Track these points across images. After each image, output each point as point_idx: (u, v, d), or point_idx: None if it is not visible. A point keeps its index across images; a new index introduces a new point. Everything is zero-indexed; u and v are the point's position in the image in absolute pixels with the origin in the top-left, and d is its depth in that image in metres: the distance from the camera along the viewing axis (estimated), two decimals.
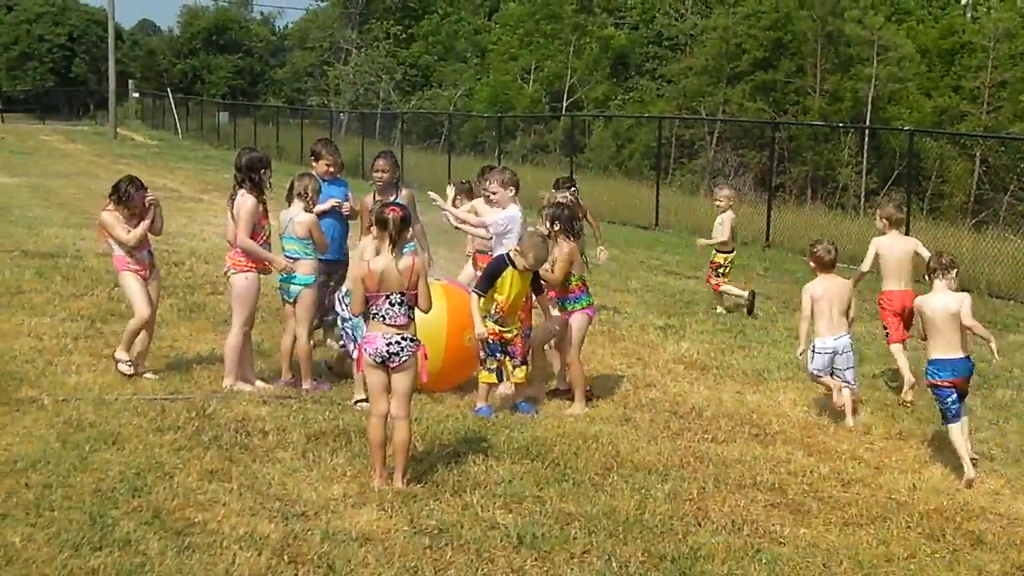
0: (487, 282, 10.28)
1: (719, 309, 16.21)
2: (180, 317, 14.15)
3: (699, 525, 7.85)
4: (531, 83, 64.32)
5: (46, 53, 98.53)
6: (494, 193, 11.85)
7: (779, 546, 7.56)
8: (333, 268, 12.34)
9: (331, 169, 12.28)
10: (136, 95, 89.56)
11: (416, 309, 8.35)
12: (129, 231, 11.06)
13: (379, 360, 8.19)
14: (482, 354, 10.40)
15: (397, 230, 8.23)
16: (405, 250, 8.40)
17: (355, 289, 8.26)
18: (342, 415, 9.95)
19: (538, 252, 10.26)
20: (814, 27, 51.59)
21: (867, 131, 44.46)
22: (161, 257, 19.17)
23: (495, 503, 8.00)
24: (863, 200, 41.39)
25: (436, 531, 7.45)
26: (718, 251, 16.47)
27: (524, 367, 10.48)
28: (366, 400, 9.23)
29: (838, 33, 51.46)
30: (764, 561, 7.25)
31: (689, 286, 18.63)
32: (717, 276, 16.39)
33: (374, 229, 8.43)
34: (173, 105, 74.12)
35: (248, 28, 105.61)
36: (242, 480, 8.26)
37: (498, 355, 10.37)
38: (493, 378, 10.44)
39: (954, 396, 9.38)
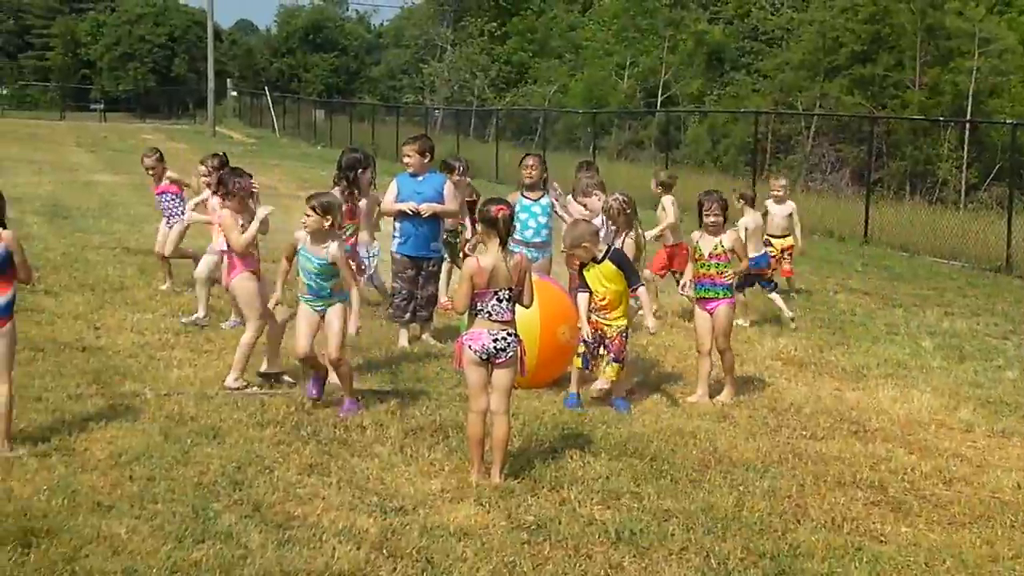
0: (582, 278, 10.38)
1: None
2: None
3: (798, 522, 7.78)
4: (625, 79, 64.07)
5: (147, 53, 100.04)
6: (589, 199, 12.03)
7: (880, 544, 7.47)
8: (421, 264, 12.51)
9: (406, 160, 12.66)
10: (234, 94, 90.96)
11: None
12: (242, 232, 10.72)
13: (484, 357, 8.22)
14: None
15: (505, 228, 8.26)
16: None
17: (463, 285, 8.28)
18: (439, 410, 10.00)
19: (566, 234, 10.60)
20: (913, 20, 50.80)
21: (968, 125, 43.77)
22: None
23: (593, 499, 7.99)
24: (963, 195, 40.78)
25: (534, 526, 7.44)
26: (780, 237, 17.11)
27: (617, 365, 10.43)
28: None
29: (938, 26, 50.67)
30: (865, 560, 7.16)
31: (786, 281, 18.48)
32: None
33: (480, 226, 8.43)
34: (270, 103, 75.04)
35: (344, 26, 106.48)
36: (341, 475, 8.32)
37: (588, 342, 10.40)
38: (579, 362, 10.49)
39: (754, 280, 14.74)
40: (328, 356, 9.97)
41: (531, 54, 76.60)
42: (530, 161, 12.95)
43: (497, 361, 8.26)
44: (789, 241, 16.97)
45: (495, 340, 8.22)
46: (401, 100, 75.52)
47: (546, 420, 9.86)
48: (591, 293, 10.33)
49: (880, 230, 25.84)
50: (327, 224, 9.69)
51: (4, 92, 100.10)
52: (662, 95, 61.42)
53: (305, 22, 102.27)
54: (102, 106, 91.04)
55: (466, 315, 8.52)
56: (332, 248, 9.71)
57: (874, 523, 7.84)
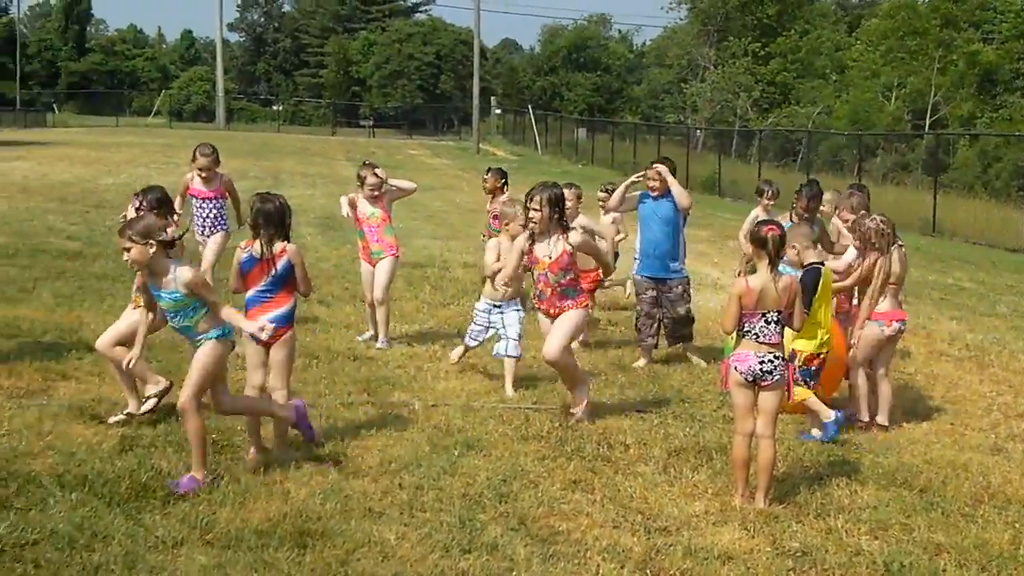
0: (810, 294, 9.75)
1: None
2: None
3: None
4: (892, 100, 62.65)
5: (415, 71, 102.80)
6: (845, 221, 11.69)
7: None
8: (660, 285, 12.52)
9: (652, 184, 12.56)
10: (498, 111, 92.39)
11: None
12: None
13: (750, 379, 8.16)
14: None
15: (776, 248, 8.18)
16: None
17: (731, 305, 8.24)
18: (703, 432, 9.94)
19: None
20: None
21: None
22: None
23: (860, 528, 7.81)
24: None
25: (799, 553, 7.32)
26: None
27: (803, 386, 9.86)
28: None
29: None
30: None
31: None
32: None
33: (750, 247, 8.39)
34: (533, 121, 75.87)
35: (606, 46, 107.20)
36: (604, 492, 8.34)
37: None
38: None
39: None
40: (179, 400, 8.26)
41: (795, 75, 75.63)
42: (804, 203, 12.15)
43: (763, 384, 8.18)
44: None
45: (762, 362, 8.14)
46: (663, 119, 75.49)
47: (811, 446, 9.70)
48: None
49: None
50: (152, 250, 7.96)
51: (280, 108, 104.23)
52: (930, 117, 59.80)
53: (568, 41, 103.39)
54: (371, 122, 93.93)
55: (733, 336, 8.46)
56: (180, 273, 8.02)
57: None
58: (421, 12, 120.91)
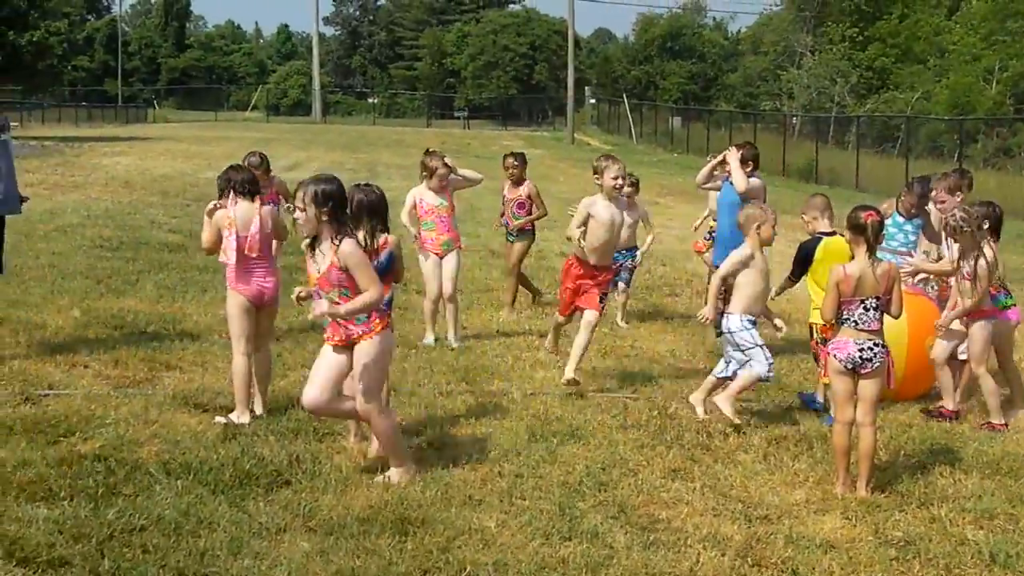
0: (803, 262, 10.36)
1: None
2: (640, 318, 14.43)
3: None
4: (994, 84, 61.56)
5: (509, 62, 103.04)
6: (941, 202, 11.46)
7: None
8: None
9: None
10: (592, 101, 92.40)
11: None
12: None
13: (850, 366, 8.10)
14: None
15: (874, 234, 8.12)
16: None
17: (829, 293, 8.19)
18: (803, 420, 9.88)
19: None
20: None
21: None
22: None
23: (964, 518, 7.71)
24: None
25: (902, 543, 7.25)
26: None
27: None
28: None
29: None
30: None
31: None
32: None
33: (848, 233, 8.33)
34: (628, 110, 75.70)
35: (701, 34, 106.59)
36: (704, 480, 8.32)
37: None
38: None
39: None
40: None
41: (893, 59, 74.58)
42: (911, 199, 11.77)
43: (863, 371, 8.12)
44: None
45: (861, 350, 8.08)
46: (758, 107, 74.89)
47: (913, 434, 9.60)
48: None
49: None
50: None
51: (375, 101, 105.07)
52: None
53: (663, 30, 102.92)
54: (466, 113, 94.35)
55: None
56: None
57: None
58: (515, 3, 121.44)
